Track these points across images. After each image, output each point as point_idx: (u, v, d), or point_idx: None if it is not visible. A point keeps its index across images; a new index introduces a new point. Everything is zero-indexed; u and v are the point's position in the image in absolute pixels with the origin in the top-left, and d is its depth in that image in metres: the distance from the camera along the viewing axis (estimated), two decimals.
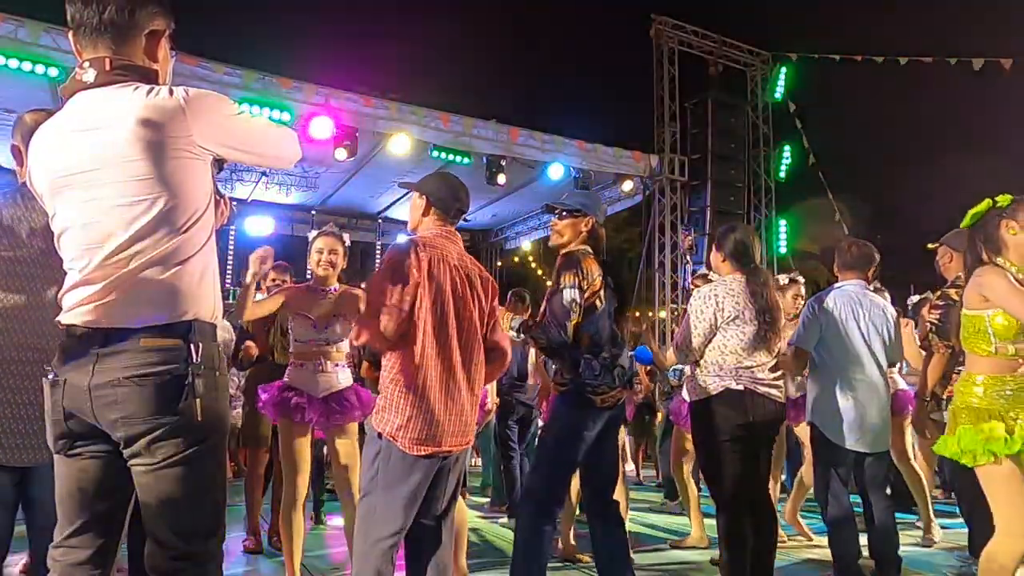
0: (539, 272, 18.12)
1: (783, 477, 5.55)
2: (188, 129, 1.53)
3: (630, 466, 8.14)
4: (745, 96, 13.13)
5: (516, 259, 17.36)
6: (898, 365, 4.46)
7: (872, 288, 3.73)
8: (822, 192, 12.59)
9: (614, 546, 2.97)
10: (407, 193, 2.71)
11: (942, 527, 4.61)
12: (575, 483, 3.57)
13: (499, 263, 15.77)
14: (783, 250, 12.86)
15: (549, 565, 2.93)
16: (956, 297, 3.15)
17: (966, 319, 2.57)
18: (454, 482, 2.50)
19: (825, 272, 12.12)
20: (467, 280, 2.48)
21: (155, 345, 1.52)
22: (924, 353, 3.77)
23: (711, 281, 3.67)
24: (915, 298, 5.06)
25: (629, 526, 4.01)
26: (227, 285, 11.30)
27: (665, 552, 4.52)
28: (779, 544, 3.57)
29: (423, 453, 2.30)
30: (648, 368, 6.43)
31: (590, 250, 2.96)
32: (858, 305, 3.51)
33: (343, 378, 3.33)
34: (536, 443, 5.78)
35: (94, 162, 1.52)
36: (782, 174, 13.05)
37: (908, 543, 4.14)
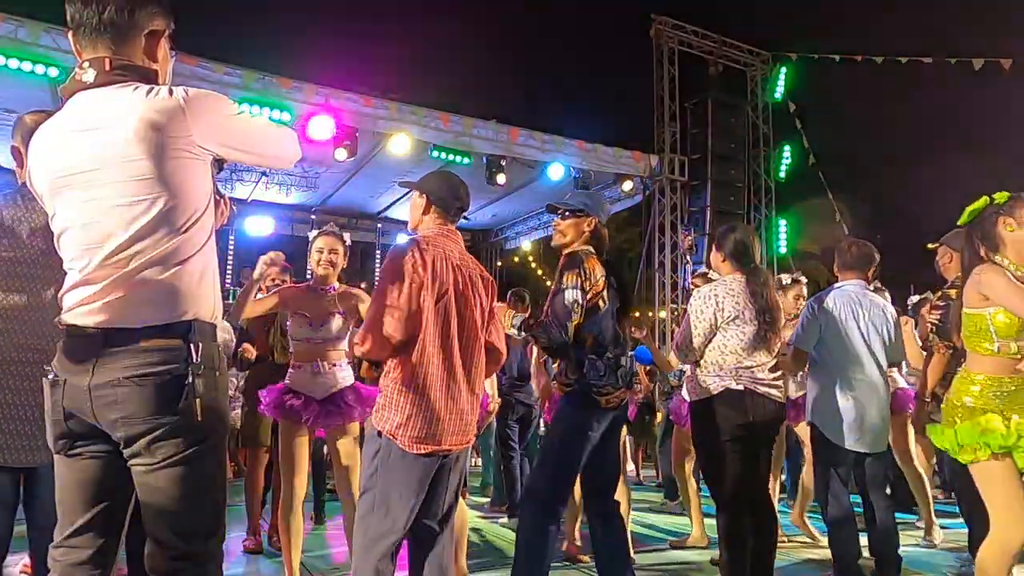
0: (539, 272, 18.12)
1: (783, 477, 5.55)
2: (188, 129, 1.53)
3: (630, 466, 8.14)
4: (745, 96, 13.13)
5: (516, 259, 17.35)
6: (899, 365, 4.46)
7: (872, 288, 3.73)
8: (822, 192, 12.60)
9: (614, 546, 2.97)
10: (407, 193, 2.71)
11: (942, 527, 4.61)
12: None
13: (499, 263, 15.76)
14: (783, 250, 12.86)
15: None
16: (956, 297, 3.15)
17: (967, 318, 2.57)
18: (455, 482, 2.50)
19: (825, 272, 12.12)
20: (468, 279, 2.48)
21: (155, 345, 1.52)
22: (925, 354, 3.77)
23: (711, 280, 3.67)
24: (915, 298, 5.06)
25: (629, 526, 4.01)
26: (227, 285, 11.29)
27: (665, 552, 4.52)
28: (779, 544, 3.57)
29: (423, 452, 2.30)
30: (648, 368, 6.44)
31: (593, 250, 2.96)
32: (858, 305, 3.51)
33: (342, 377, 3.32)
34: (537, 442, 5.81)
35: (94, 162, 1.52)
36: (782, 174, 13.05)
37: (908, 543, 4.14)
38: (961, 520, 4.05)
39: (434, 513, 2.43)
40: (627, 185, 11.84)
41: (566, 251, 2.98)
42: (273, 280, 4.23)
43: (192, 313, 1.57)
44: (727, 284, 3.21)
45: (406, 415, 2.29)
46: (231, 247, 12.34)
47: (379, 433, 2.33)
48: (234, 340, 4.32)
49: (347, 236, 3.50)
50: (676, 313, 11.69)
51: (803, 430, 4.37)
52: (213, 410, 1.57)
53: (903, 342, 3.68)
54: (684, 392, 4.08)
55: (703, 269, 4.77)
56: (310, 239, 3.53)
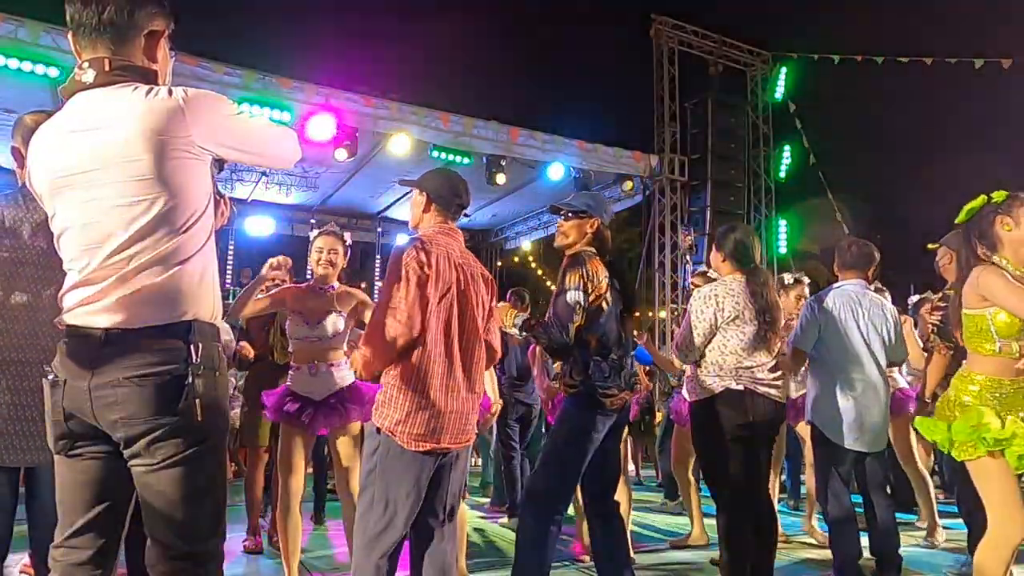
0: (539, 272, 18.12)
1: (783, 477, 5.55)
2: (187, 129, 1.53)
3: (630, 466, 8.14)
4: (745, 96, 13.12)
5: (516, 259, 17.34)
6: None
7: (873, 289, 3.73)
8: (822, 192, 12.58)
9: (614, 546, 2.97)
10: (407, 193, 2.72)
11: (942, 527, 4.61)
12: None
13: (499, 263, 15.75)
14: (783, 250, 12.85)
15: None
16: (955, 297, 3.15)
17: (967, 319, 2.56)
18: (457, 482, 2.50)
19: (825, 272, 12.11)
20: (470, 278, 2.49)
21: (155, 346, 1.52)
22: (926, 354, 3.77)
23: (710, 279, 3.67)
24: (915, 298, 5.06)
25: (629, 526, 4.02)
26: (227, 285, 11.29)
27: (665, 552, 4.52)
28: (779, 544, 3.57)
29: (422, 449, 2.30)
30: (647, 368, 6.44)
31: (596, 251, 2.96)
32: (857, 305, 3.51)
33: (340, 378, 3.31)
34: (539, 443, 5.81)
35: (94, 162, 1.52)
36: (782, 174, 13.04)
37: (908, 543, 4.14)
38: (961, 520, 4.05)
39: (435, 512, 2.43)
40: (627, 185, 11.84)
41: (569, 252, 2.98)
42: (273, 280, 4.23)
43: (192, 313, 1.57)
44: (727, 284, 3.21)
45: (405, 412, 2.29)
46: (231, 247, 12.33)
47: (378, 430, 2.33)
48: (234, 340, 4.32)
49: (347, 236, 3.50)
50: (676, 313, 11.69)
51: (804, 430, 4.37)
52: (213, 410, 1.57)
53: (905, 341, 3.68)
54: (684, 392, 4.08)
55: (703, 268, 4.77)
56: (311, 239, 3.53)
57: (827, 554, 3.56)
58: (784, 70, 12.85)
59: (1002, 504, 2.39)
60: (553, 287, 2.93)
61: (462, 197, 2.58)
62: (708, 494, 3.38)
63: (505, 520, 5.42)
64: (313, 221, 12.68)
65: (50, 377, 1.58)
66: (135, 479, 1.56)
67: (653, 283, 12.17)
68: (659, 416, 7.64)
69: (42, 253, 2.06)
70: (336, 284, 3.43)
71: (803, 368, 3.82)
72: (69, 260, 1.59)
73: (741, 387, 3.09)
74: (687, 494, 4.80)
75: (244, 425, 4.48)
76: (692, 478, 4.82)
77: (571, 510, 4.00)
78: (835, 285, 3.66)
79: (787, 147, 12.97)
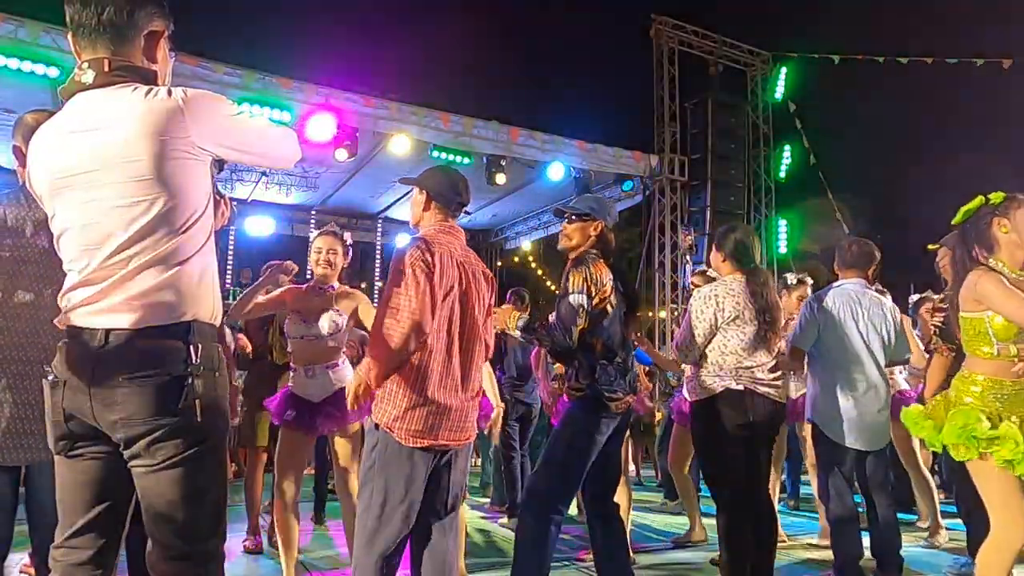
0: (539, 272, 18.12)
1: (783, 477, 5.55)
2: (187, 130, 1.53)
3: (631, 466, 8.15)
4: (745, 96, 13.13)
5: (516, 259, 17.34)
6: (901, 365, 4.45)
7: (874, 289, 3.73)
8: (822, 192, 12.59)
9: (614, 546, 2.97)
10: (407, 193, 2.73)
11: (945, 528, 4.61)
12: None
13: (499, 263, 15.75)
14: (783, 250, 12.86)
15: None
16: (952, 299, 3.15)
17: (965, 322, 2.55)
18: (457, 481, 2.50)
19: (825, 272, 12.12)
20: (471, 276, 2.49)
21: (155, 346, 1.52)
22: (927, 356, 3.76)
23: (710, 278, 3.67)
24: (915, 297, 5.05)
25: (629, 526, 4.02)
26: (227, 285, 11.29)
27: (665, 552, 4.52)
28: (779, 544, 3.57)
29: (420, 445, 2.30)
30: (647, 369, 6.44)
31: (599, 254, 2.96)
32: (857, 304, 3.51)
33: (338, 379, 3.30)
34: (543, 443, 5.81)
35: (93, 163, 1.52)
36: (782, 174, 13.05)
37: (909, 543, 4.14)
38: (960, 520, 4.05)
39: (435, 511, 2.43)
40: (627, 185, 11.84)
41: (572, 255, 2.98)
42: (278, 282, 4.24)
43: (191, 314, 1.57)
44: (727, 284, 3.21)
45: (404, 408, 2.30)
46: (231, 247, 12.34)
47: (377, 426, 2.34)
48: (233, 341, 4.33)
49: (347, 236, 3.50)
50: (676, 313, 11.69)
51: (806, 429, 4.36)
52: (213, 411, 1.57)
53: (907, 340, 3.67)
54: (684, 391, 4.08)
55: (702, 267, 4.77)
56: (311, 239, 3.54)
57: (827, 554, 3.56)
58: (784, 70, 12.86)
59: (1003, 506, 2.38)
60: (553, 287, 2.93)
61: (462, 195, 2.58)
62: (708, 494, 3.38)
63: (505, 520, 5.42)
64: (313, 221, 12.70)
65: (50, 378, 1.58)
66: (135, 480, 1.56)
67: (653, 283, 12.18)
68: (659, 416, 7.63)
69: (44, 252, 2.06)
70: (336, 284, 3.43)
71: (803, 368, 3.82)
72: (69, 261, 1.59)
73: (741, 387, 3.09)
74: (685, 491, 4.81)
75: (243, 425, 4.49)
76: (689, 477, 4.83)
77: (572, 510, 4.00)
78: (835, 284, 3.66)
79: (787, 147, 12.98)
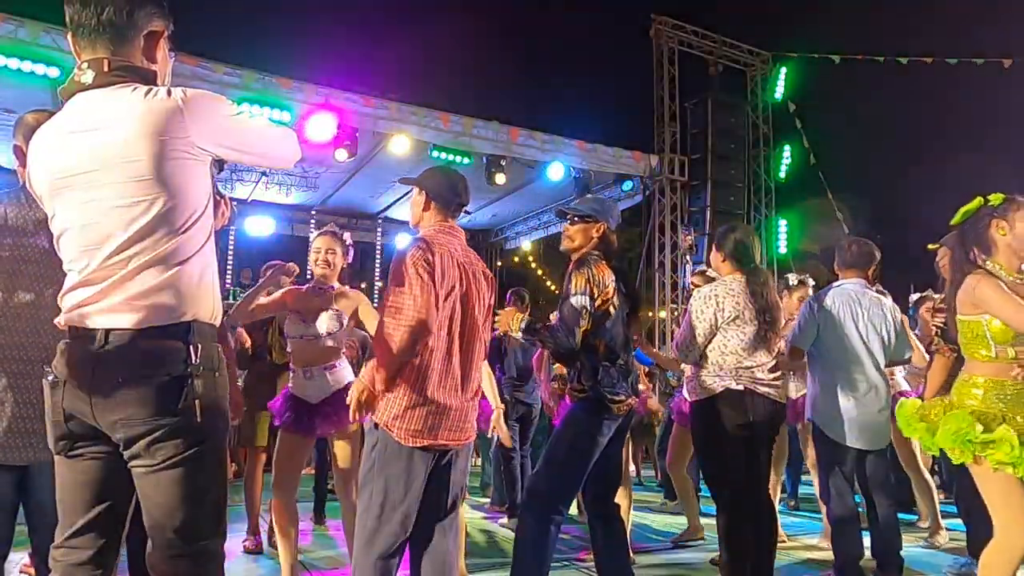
0: (539, 272, 18.12)
1: (783, 478, 5.55)
2: (186, 130, 1.53)
3: (631, 467, 8.15)
4: (745, 96, 13.13)
5: (516, 259, 17.34)
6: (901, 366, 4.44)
7: (875, 290, 3.72)
8: (822, 192, 12.59)
9: (614, 547, 2.97)
10: (407, 193, 2.72)
11: (945, 529, 4.61)
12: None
13: (499, 263, 15.74)
14: (783, 250, 12.85)
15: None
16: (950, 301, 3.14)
17: (962, 324, 2.54)
18: (457, 481, 2.50)
19: (825, 272, 12.13)
20: (472, 276, 2.49)
21: (154, 346, 1.52)
22: (927, 356, 3.75)
23: (710, 278, 3.67)
24: (916, 296, 5.05)
25: (629, 526, 4.02)
26: (227, 285, 11.29)
27: (665, 552, 4.52)
28: (779, 544, 3.57)
29: (420, 445, 2.30)
30: (647, 369, 6.45)
31: (602, 256, 2.96)
32: (857, 304, 3.51)
33: (336, 380, 3.30)
34: (544, 443, 5.81)
35: (93, 163, 1.52)
36: (782, 174, 13.05)
37: (909, 543, 4.14)
38: (960, 520, 4.05)
39: (435, 511, 2.43)
40: (627, 185, 11.84)
41: (575, 256, 2.98)
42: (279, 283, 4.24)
43: (191, 314, 1.57)
44: (727, 284, 3.21)
45: (403, 408, 2.29)
46: (231, 247, 12.34)
47: (376, 426, 2.33)
48: (233, 338, 4.33)
49: (347, 236, 3.50)
50: (676, 313, 11.69)
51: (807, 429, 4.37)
52: (213, 411, 1.57)
53: (907, 339, 3.66)
54: (684, 391, 4.08)
55: (702, 267, 4.77)
56: (311, 240, 3.54)
57: (827, 554, 3.56)
58: (784, 70, 12.86)
59: (1005, 506, 2.37)
60: (553, 287, 2.93)
61: (462, 196, 2.58)
62: (708, 494, 3.38)
63: (505, 520, 5.42)
64: (313, 221, 12.70)
65: (50, 378, 1.58)
66: (135, 480, 1.56)
67: (653, 283, 12.17)
68: (659, 415, 7.63)
69: (45, 252, 2.06)
70: (337, 284, 3.43)
71: (803, 368, 3.82)
72: (69, 261, 1.59)
73: (741, 387, 3.09)
74: (683, 490, 4.83)
75: (242, 425, 4.49)
76: (688, 476, 4.85)
77: (572, 510, 4.00)
78: (835, 284, 3.66)
79: (787, 147, 12.98)
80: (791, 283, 4.66)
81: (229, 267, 12.05)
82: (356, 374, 3.52)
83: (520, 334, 2.94)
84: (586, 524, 3.15)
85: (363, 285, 13.38)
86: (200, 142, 1.56)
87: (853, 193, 16.61)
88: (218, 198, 1.76)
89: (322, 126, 8.62)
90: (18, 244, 2.08)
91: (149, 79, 1.62)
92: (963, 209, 2.61)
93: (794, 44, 14.01)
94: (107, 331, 1.51)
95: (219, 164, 1.70)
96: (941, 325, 3.45)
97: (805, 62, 12.78)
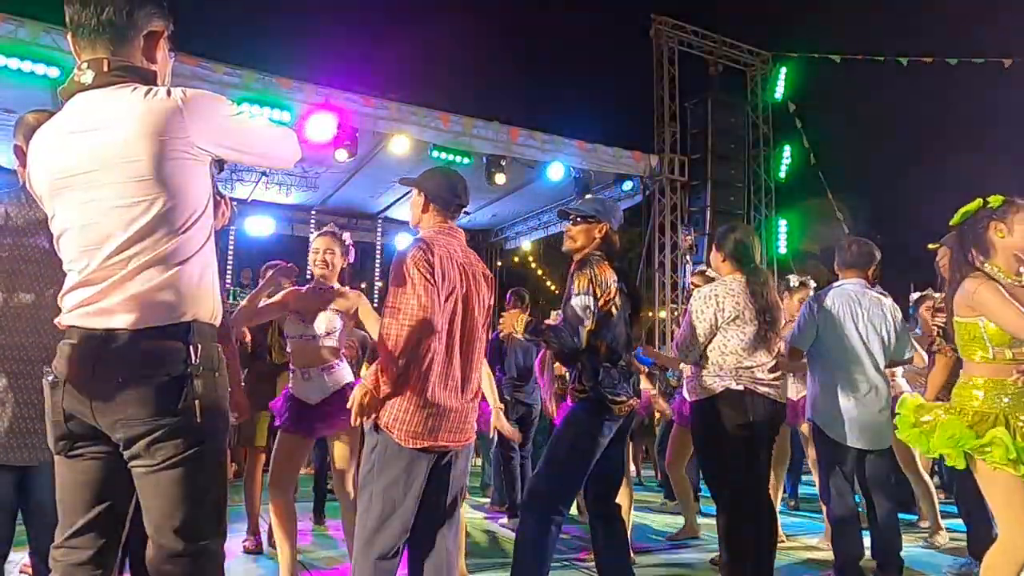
0: (539, 272, 18.12)
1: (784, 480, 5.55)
2: (186, 130, 1.53)
3: (631, 467, 8.15)
4: (745, 96, 13.13)
5: (516, 259, 17.35)
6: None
7: (875, 290, 3.72)
8: (822, 192, 12.59)
9: (615, 547, 2.97)
10: (407, 193, 2.72)
11: (945, 529, 4.61)
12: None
13: (499, 263, 15.75)
14: (783, 250, 12.85)
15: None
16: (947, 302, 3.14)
17: (960, 327, 2.53)
18: (457, 482, 2.50)
19: (825, 272, 12.13)
20: (472, 277, 2.49)
21: (154, 346, 1.52)
22: (927, 356, 3.75)
23: (709, 278, 3.67)
24: (916, 295, 5.05)
25: (630, 526, 4.01)
26: (227, 285, 11.29)
27: (665, 552, 4.52)
28: (779, 544, 3.57)
29: (419, 446, 2.30)
30: (646, 370, 6.45)
31: (604, 256, 2.96)
32: (856, 304, 3.50)
33: (334, 381, 3.30)
34: (544, 443, 5.81)
35: (93, 163, 1.52)
36: (782, 174, 13.05)
37: (909, 544, 4.14)
38: (961, 520, 4.05)
39: (435, 512, 2.42)
40: (627, 185, 11.84)
41: (577, 256, 2.98)
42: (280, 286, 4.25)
43: (191, 314, 1.57)
44: (727, 284, 3.21)
45: (403, 409, 2.29)
46: (231, 247, 12.34)
47: (376, 428, 2.33)
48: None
49: (346, 236, 3.50)
50: (676, 313, 11.69)
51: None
52: (212, 411, 1.57)
53: (908, 339, 3.66)
54: (685, 392, 4.08)
55: (701, 267, 4.77)
56: (311, 240, 3.55)
57: (827, 554, 3.56)
58: (784, 70, 12.86)
59: (1008, 508, 2.36)
60: (553, 287, 2.94)
61: (461, 197, 2.58)
62: (708, 494, 3.38)
63: (505, 520, 5.42)
64: (313, 221, 12.70)
65: (50, 378, 1.58)
66: (135, 480, 1.56)
67: (653, 283, 12.17)
68: (659, 416, 7.63)
69: (45, 252, 2.06)
70: (336, 285, 3.44)
71: (802, 368, 3.82)
72: (69, 261, 1.59)
73: (741, 387, 3.09)
74: (681, 491, 4.84)
75: (241, 425, 4.49)
76: (687, 476, 4.86)
77: (572, 510, 4.00)
78: (835, 284, 3.66)
79: (787, 147, 12.98)
80: (792, 285, 4.66)
81: (229, 267, 12.05)
82: (355, 374, 3.52)
83: (525, 336, 2.94)
84: (586, 524, 3.15)
85: (363, 285, 13.38)
86: (200, 142, 1.56)
87: (853, 193, 16.63)
88: (218, 198, 1.76)
89: (322, 126, 8.62)
90: (18, 244, 2.08)
91: (149, 79, 1.62)
92: (962, 210, 2.61)
93: (794, 44, 14.02)
94: (107, 331, 1.51)
95: (219, 164, 1.70)
96: (942, 325, 3.44)
97: (805, 62, 12.78)
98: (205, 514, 1.58)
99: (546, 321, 3.61)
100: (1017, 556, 2.33)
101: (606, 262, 2.93)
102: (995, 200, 2.53)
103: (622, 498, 3.22)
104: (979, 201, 2.56)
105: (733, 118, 12.48)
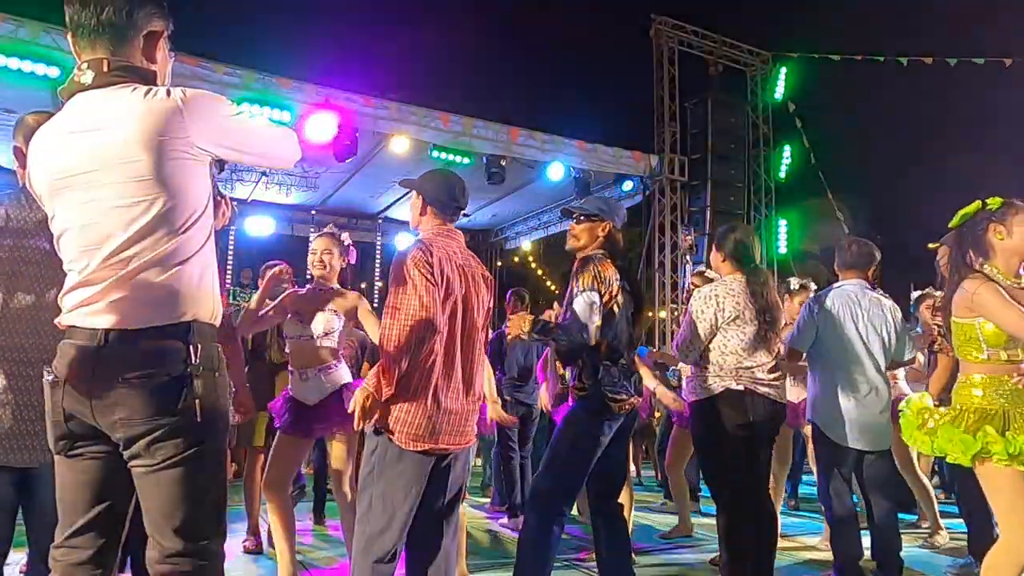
0: (539, 272, 18.12)
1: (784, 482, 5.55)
2: (186, 130, 1.53)
3: (631, 466, 8.15)
4: (745, 96, 13.12)
5: (516, 259, 17.35)
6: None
7: (876, 291, 3.71)
8: (822, 192, 12.58)
9: (617, 546, 2.97)
10: (407, 193, 2.72)
11: (945, 530, 4.61)
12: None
13: (499, 263, 15.74)
14: (783, 250, 12.84)
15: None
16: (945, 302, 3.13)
17: (956, 327, 2.53)
18: (457, 483, 2.50)
19: (825, 272, 12.13)
20: (471, 279, 2.49)
21: (154, 346, 1.52)
22: (929, 355, 3.74)
23: (709, 278, 3.67)
24: (916, 294, 5.05)
25: (630, 526, 4.01)
26: (227, 285, 11.29)
27: (665, 552, 4.52)
28: (779, 544, 3.57)
29: (420, 449, 2.30)
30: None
31: (607, 255, 2.96)
32: (856, 305, 3.50)
33: (332, 382, 3.30)
34: (544, 444, 5.81)
35: (93, 163, 1.52)
36: (782, 174, 13.04)
37: (909, 544, 4.14)
38: (961, 520, 4.05)
39: (435, 513, 2.42)
40: (627, 185, 11.84)
41: (580, 255, 2.98)
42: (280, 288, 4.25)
43: (191, 314, 1.57)
44: (727, 284, 3.21)
45: (404, 411, 2.29)
46: (231, 247, 12.33)
47: (377, 430, 2.33)
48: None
49: (345, 236, 3.51)
50: (676, 313, 11.68)
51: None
52: (212, 411, 1.57)
53: (908, 340, 3.66)
54: (684, 392, 4.08)
55: (701, 267, 4.77)
56: (311, 240, 3.56)
57: (827, 554, 3.56)
58: (784, 70, 12.85)
59: (1010, 508, 2.36)
60: (553, 287, 2.94)
61: (459, 200, 2.58)
62: (708, 494, 3.38)
63: (505, 520, 5.42)
64: (313, 221, 12.70)
65: (50, 378, 1.58)
66: (135, 479, 1.56)
67: (653, 283, 12.16)
68: (659, 416, 7.64)
69: (45, 253, 2.06)
70: (336, 285, 3.44)
71: (802, 369, 3.82)
72: (69, 261, 1.59)
73: (741, 387, 3.09)
74: (678, 491, 4.86)
75: (240, 425, 4.49)
76: (685, 477, 4.86)
77: (573, 511, 4.00)
78: (835, 285, 3.66)
79: (787, 147, 12.97)
80: (793, 287, 4.65)
81: (229, 267, 12.05)
82: (354, 375, 3.52)
83: (534, 336, 2.94)
84: (587, 524, 3.15)
85: (363, 285, 13.38)
86: (200, 142, 1.56)
87: (853, 193, 16.64)
88: (218, 198, 1.76)
89: (322, 126, 8.61)
90: (18, 245, 2.08)
91: (149, 79, 1.62)
92: (961, 212, 2.60)
93: (794, 44, 14.01)
94: (107, 331, 1.51)
95: (219, 164, 1.70)
96: (942, 325, 3.44)
97: (805, 62, 12.77)
98: (205, 514, 1.58)
99: (544, 315, 3.62)
100: (1019, 556, 2.33)
101: (609, 260, 2.93)
102: (994, 202, 2.52)
103: (623, 498, 3.22)
104: (978, 203, 2.56)
105: (733, 118, 12.48)
